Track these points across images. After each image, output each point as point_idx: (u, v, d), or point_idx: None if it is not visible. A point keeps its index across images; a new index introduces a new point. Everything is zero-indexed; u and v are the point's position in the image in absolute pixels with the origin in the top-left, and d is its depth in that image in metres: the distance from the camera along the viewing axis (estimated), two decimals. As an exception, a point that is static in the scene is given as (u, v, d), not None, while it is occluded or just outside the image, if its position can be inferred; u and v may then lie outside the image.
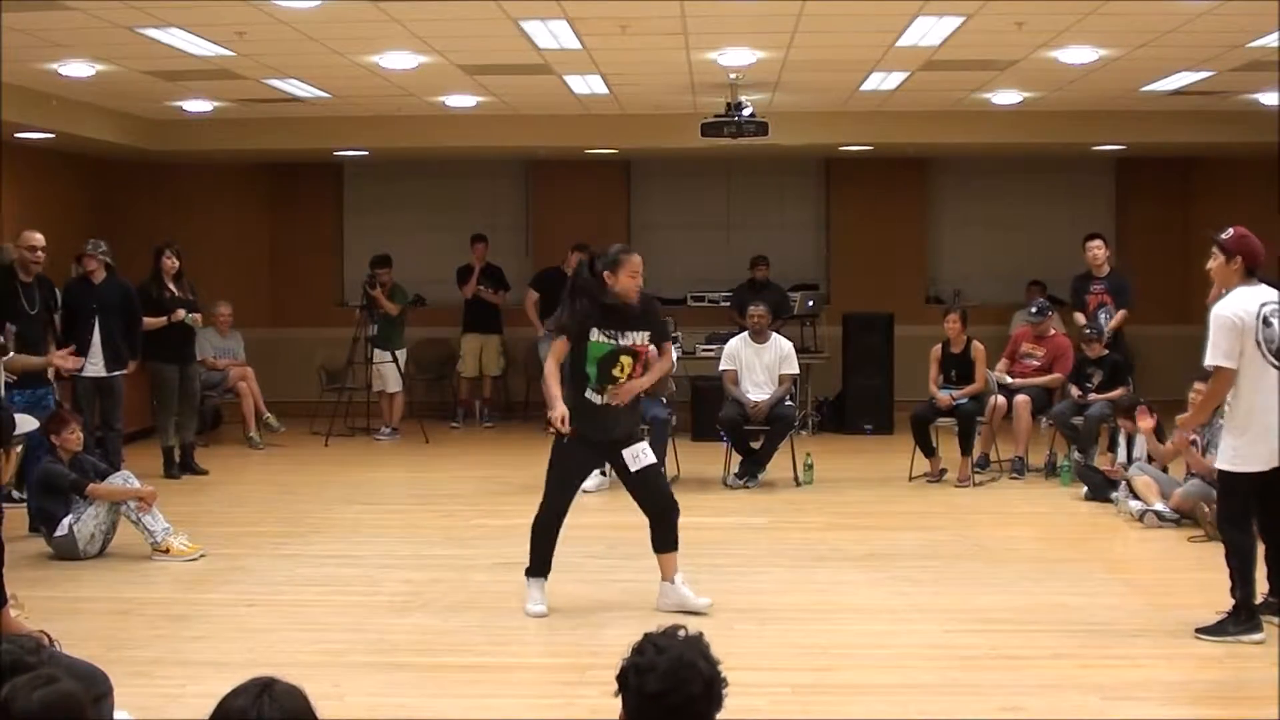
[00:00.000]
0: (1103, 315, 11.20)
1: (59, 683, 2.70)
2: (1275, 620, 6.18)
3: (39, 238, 9.45)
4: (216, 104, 12.11)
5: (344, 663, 5.82)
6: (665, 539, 6.67)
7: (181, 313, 10.82)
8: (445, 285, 14.35)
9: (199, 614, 6.69)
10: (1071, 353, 10.93)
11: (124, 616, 6.67)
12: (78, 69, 9.93)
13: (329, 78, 10.78)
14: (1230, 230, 6.16)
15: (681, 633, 2.84)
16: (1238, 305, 5.99)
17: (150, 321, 10.75)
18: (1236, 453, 6.02)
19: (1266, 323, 5.96)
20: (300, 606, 6.88)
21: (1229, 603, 6.09)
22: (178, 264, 10.97)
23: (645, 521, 7.16)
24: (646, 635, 2.83)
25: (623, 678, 2.78)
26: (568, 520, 9.11)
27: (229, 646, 6.06)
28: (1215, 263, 6.18)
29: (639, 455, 6.61)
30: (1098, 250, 11.40)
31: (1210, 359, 6.00)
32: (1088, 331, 10.87)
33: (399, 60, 9.86)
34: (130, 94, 11.38)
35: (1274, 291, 6.06)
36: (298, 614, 6.72)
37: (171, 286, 10.94)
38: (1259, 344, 5.95)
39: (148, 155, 13.82)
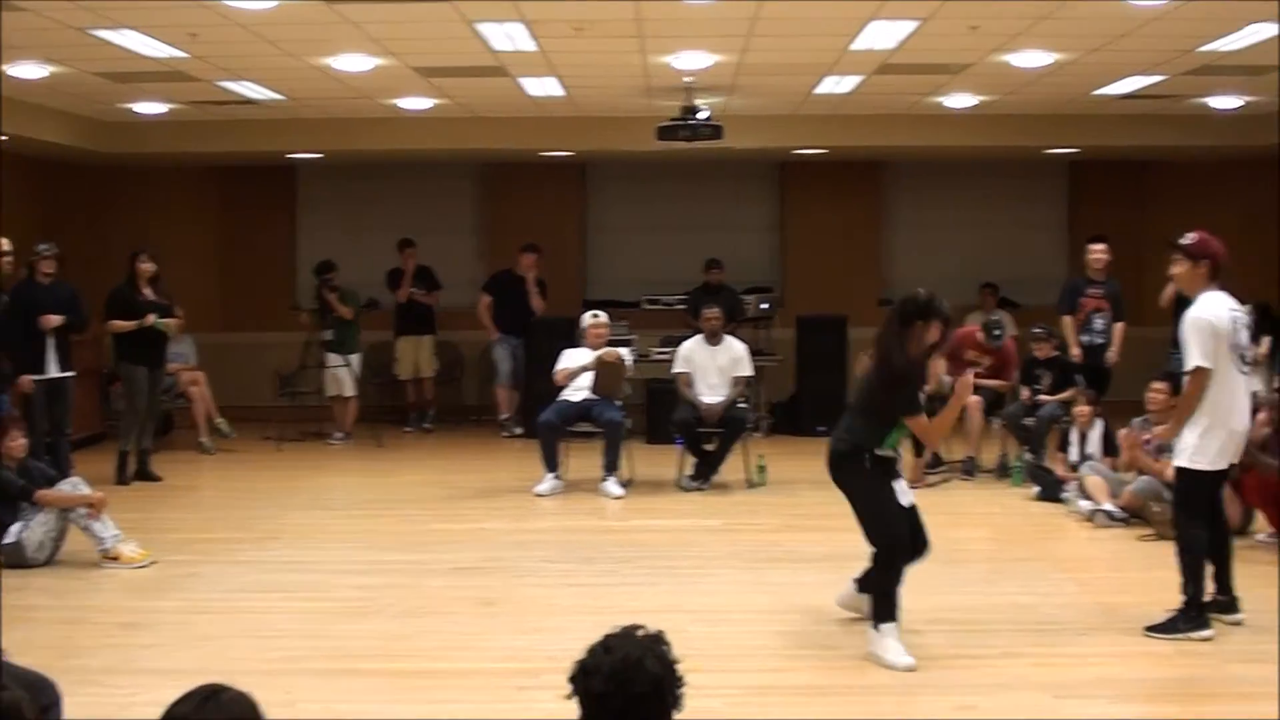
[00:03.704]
0: (1098, 320, 10.97)
1: (2, 691, 2.67)
2: (1224, 619, 6.26)
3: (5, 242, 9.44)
4: (169, 106, 12.02)
5: (298, 669, 5.78)
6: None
7: (151, 317, 10.70)
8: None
9: (150, 622, 6.63)
10: (1017, 359, 11.00)
11: (74, 625, 6.60)
12: (29, 70, 9.82)
13: (282, 80, 10.71)
14: (1193, 235, 6.20)
15: (640, 633, 2.83)
16: (1211, 310, 6.05)
17: (121, 324, 10.67)
18: (1199, 451, 6.08)
19: (1236, 329, 6.04)
20: (253, 613, 6.82)
21: (1179, 600, 6.16)
22: (153, 268, 10.87)
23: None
24: (605, 635, 2.82)
25: (573, 679, 2.78)
26: (521, 524, 9.14)
27: (181, 654, 6.00)
28: (1180, 268, 6.21)
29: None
30: (1101, 254, 11.04)
31: (1190, 362, 6.05)
32: (1038, 331, 10.92)
33: (353, 62, 9.81)
34: (82, 96, 11.27)
35: (1232, 299, 6.13)
36: (250, 621, 6.66)
37: (146, 290, 10.84)
38: (1232, 349, 6.01)
39: (99, 158, 13.69)
